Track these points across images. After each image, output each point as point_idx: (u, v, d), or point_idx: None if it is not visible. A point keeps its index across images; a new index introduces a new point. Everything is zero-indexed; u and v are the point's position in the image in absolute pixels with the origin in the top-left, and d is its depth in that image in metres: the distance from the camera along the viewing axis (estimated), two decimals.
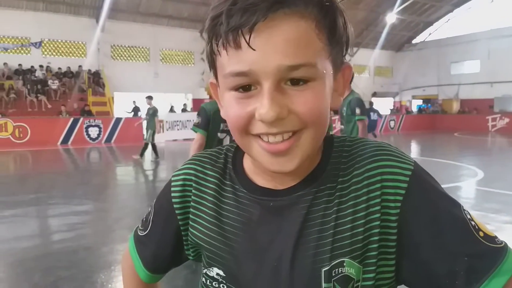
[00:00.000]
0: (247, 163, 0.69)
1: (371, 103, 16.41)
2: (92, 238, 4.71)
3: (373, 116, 14.90)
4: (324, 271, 0.59)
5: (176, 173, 0.74)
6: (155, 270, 0.79)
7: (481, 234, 0.58)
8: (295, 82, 0.55)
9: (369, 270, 0.60)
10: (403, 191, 0.59)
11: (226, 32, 0.53)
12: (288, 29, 0.53)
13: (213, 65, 0.62)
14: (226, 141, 3.55)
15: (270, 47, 0.52)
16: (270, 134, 0.56)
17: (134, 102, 19.89)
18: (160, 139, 17.02)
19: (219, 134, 3.53)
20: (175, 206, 0.72)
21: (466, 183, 8.01)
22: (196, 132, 3.47)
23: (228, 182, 0.69)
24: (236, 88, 0.56)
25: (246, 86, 0.56)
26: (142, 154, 10.98)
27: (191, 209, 0.71)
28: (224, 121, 3.42)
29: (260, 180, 0.67)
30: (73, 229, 4.95)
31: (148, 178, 8.76)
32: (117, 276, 3.49)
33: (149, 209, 0.79)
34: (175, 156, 12.96)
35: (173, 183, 0.73)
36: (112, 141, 16.81)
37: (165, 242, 0.75)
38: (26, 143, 15.08)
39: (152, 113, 10.86)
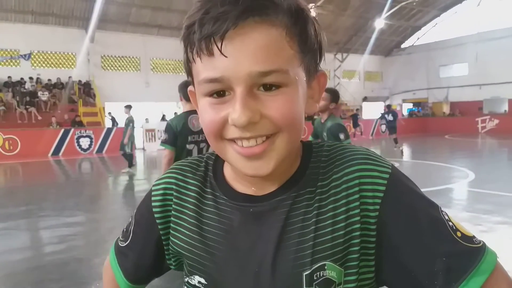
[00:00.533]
0: (227, 170, 0.70)
1: (353, 115, 16.72)
2: (83, 249, 4.66)
3: (389, 117, 15.39)
4: (305, 275, 0.60)
5: (157, 182, 0.74)
6: (136, 281, 0.78)
7: (459, 234, 0.59)
8: (268, 87, 0.56)
9: (351, 273, 0.61)
10: (381, 194, 0.60)
11: (199, 40, 0.55)
12: (259, 37, 0.54)
13: (190, 73, 0.63)
14: (195, 152, 3.64)
15: (241, 54, 0.54)
16: (244, 138, 0.57)
17: (109, 113, 19.78)
18: (152, 148, 16.97)
19: (187, 146, 3.62)
20: (155, 215, 0.71)
21: (457, 185, 8.06)
22: (164, 148, 3.64)
23: (208, 190, 0.70)
24: (211, 94, 0.58)
25: (220, 92, 0.57)
26: (130, 165, 10.84)
27: (172, 218, 0.71)
28: (192, 133, 3.60)
29: (240, 187, 0.67)
30: (64, 241, 4.89)
31: (140, 187, 8.70)
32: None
33: (130, 219, 0.79)
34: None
35: (153, 193, 0.73)
36: (104, 151, 16.70)
37: (146, 252, 0.75)
38: (16, 155, 14.93)
39: (127, 122, 10.73)
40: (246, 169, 0.59)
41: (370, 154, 0.64)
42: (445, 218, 0.60)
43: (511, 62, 24.63)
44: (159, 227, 0.71)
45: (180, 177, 0.72)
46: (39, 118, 17.89)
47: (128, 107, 10.97)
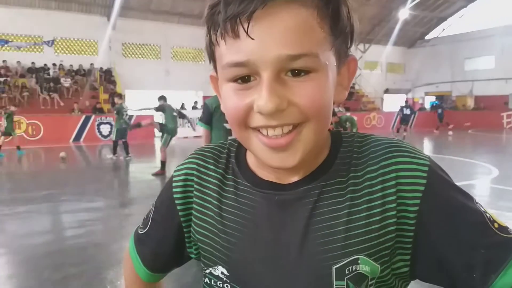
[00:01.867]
0: (250, 157, 0.67)
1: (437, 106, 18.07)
2: (102, 234, 4.72)
3: (406, 111, 16.93)
4: (336, 268, 0.58)
5: (178, 168, 0.72)
6: (156, 269, 0.76)
7: (496, 225, 0.58)
8: (296, 73, 0.53)
9: (385, 267, 0.59)
10: (422, 187, 0.58)
11: (224, 20, 0.52)
12: (288, 17, 0.51)
13: (212, 57, 0.60)
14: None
15: (269, 36, 0.51)
16: (270, 127, 0.54)
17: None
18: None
19: (225, 125, 3.78)
20: (176, 202, 0.69)
21: (480, 181, 7.88)
22: (200, 126, 3.95)
23: (230, 177, 0.67)
24: (235, 80, 0.55)
25: (245, 77, 0.54)
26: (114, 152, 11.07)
27: (194, 205, 0.68)
28: None
29: (265, 174, 0.65)
30: (83, 225, 4.97)
31: (160, 175, 8.76)
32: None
33: (151, 207, 0.77)
34: (186, 153, 12.95)
35: (174, 179, 0.71)
36: None
37: (165, 240, 0.73)
38: (39, 140, 15.25)
39: (116, 112, 10.89)
40: (271, 161, 0.57)
41: (407, 146, 0.61)
42: (481, 209, 0.59)
43: None
44: (180, 213, 0.69)
45: (201, 162, 0.70)
46: (62, 104, 18.22)
47: (118, 95, 11.23)
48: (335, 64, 0.57)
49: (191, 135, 16.59)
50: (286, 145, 0.55)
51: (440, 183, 0.59)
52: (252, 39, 0.50)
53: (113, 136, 11.10)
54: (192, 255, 0.73)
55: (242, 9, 0.50)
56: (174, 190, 0.70)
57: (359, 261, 0.58)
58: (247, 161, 0.68)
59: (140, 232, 0.77)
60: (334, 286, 0.58)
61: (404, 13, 25.82)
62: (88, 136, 16.31)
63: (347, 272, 0.58)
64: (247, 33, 0.51)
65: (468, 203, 0.59)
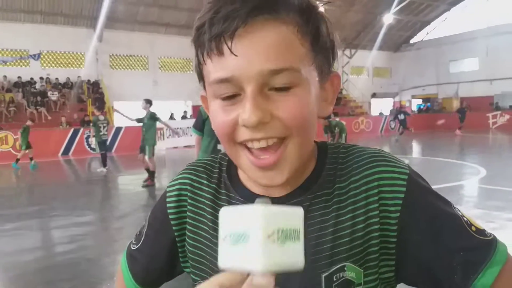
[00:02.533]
0: (241, 171, 0.68)
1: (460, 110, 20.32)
2: (94, 249, 4.69)
3: (401, 117, 18.10)
4: (324, 276, 0.60)
5: (171, 184, 0.73)
6: (146, 284, 0.77)
7: (473, 228, 0.61)
8: (279, 89, 0.55)
9: (371, 273, 0.61)
10: (402, 195, 0.61)
11: (209, 40, 0.54)
12: (269, 34, 0.53)
13: (201, 76, 0.62)
14: None
15: (252, 52, 0.53)
16: (255, 139, 0.56)
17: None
18: (161, 146, 17.00)
19: None
20: (170, 217, 0.71)
21: (469, 182, 7.98)
22: (193, 132, 4.10)
23: (223, 191, 0.69)
24: (222, 97, 0.57)
25: (231, 95, 0.56)
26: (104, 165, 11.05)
27: (188, 219, 0.70)
28: None
29: (255, 188, 0.66)
30: (74, 240, 4.92)
31: (150, 187, 8.72)
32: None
33: (144, 222, 0.78)
34: (176, 163, 12.93)
35: (168, 194, 0.72)
36: (113, 150, 16.78)
37: (158, 256, 0.74)
38: (27, 155, 15.06)
39: (93, 124, 10.93)
40: (260, 179, 0.59)
41: (388, 156, 0.65)
42: (459, 214, 0.62)
43: None
44: (174, 228, 0.71)
45: (194, 177, 0.71)
46: (49, 118, 18.05)
47: (98, 107, 11.19)
48: (317, 79, 0.59)
49: (181, 145, 16.53)
50: (273, 164, 0.57)
51: (419, 190, 0.62)
52: (236, 55, 0.53)
53: (97, 149, 11.04)
54: (187, 270, 0.73)
55: (225, 28, 0.53)
56: (168, 205, 0.71)
57: (345, 268, 0.60)
58: (239, 176, 0.69)
59: (133, 248, 0.77)
60: None
61: (388, 18, 26.17)
62: (77, 149, 16.16)
63: (335, 279, 0.60)
64: (230, 50, 0.53)
65: (446, 208, 0.62)
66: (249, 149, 0.58)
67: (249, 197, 0.66)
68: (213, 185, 0.69)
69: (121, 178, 10.62)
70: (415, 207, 0.61)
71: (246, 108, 0.54)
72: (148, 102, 8.74)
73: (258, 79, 0.53)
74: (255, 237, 0.38)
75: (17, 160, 12.52)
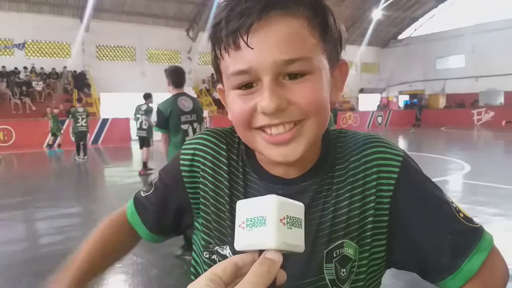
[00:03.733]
0: (257, 153, 0.72)
1: None
2: (81, 240, 4.55)
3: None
4: (326, 252, 0.65)
5: (188, 143, 0.76)
6: (156, 231, 0.80)
7: (461, 215, 0.65)
8: (293, 76, 0.59)
9: (364, 250, 0.66)
10: (395, 175, 0.65)
11: (226, 35, 0.59)
12: (282, 28, 0.57)
13: (218, 71, 0.66)
14: (190, 132, 3.92)
15: (266, 45, 0.57)
16: (272, 125, 0.60)
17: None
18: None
19: (182, 126, 3.90)
20: (183, 174, 0.74)
21: (453, 177, 8.11)
22: (158, 131, 4.04)
23: (240, 163, 0.72)
24: (239, 87, 0.61)
25: (248, 84, 0.60)
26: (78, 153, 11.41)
27: (201, 179, 0.73)
28: (183, 113, 3.90)
29: (270, 168, 0.70)
30: (61, 232, 4.88)
31: (137, 178, 8.67)
32: (108, 279, 3.45)
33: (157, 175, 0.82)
34: (163, 155, 12.85)
35: (183, 152, 0.75)
36: (99, 142, 16.62)
37: (167, 210, 0.77)
38: (11, 146, 14.83)
39: (71, 115, 11.45)
40: (275, 156, 0.62)
41: (384, 138, 0.70)
42: (449, 200, 0.66)
43: (507, 54, 24.61)
44: (187, 186, 0.74)
45: (214, 140, 0.74)
46: (34, 108, 17.77)
47: (79, 99, 12.06)
48: (327, 67, 0.63)
49: None
50: (288, 140, 0.60)
51: (412, 172, 0.67)
52: (252, 48, 0.57)
53: (73, 139, 11.50)
54: (198, 225, 0.75)
55: (241, 23, 0.57)
56: (182, 162, 0.74)
57: (344, 245, 0.65)
58: (255, 153, 0.72)
59: (143, 195, 0.82)
60: (325, 268, 0.64)
61: (377, 14, 26.30)
62: (63, 140, 15.94)
63: (334, 255, 0.65)
64: (246, 43, 0.57)
65: (437, 193, 0.66)
66: (265, 132, 0.61)
67: (263, 176, 0.70)
68: (234, 156, 0.73)
69: (107, 170, 10.53)
70: (407, 188, 0.65)
71: (264, 96, 0.58)
72: (148, 96, 9.35)
73: (274, 68, 0.57)
74: (271, 219, 0.45)
75: (51, 145, 13.62)
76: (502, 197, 6.09)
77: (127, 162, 11.37)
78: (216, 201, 0.71)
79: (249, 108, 0.60)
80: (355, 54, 30.01)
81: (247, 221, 0.47)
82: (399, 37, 31.87)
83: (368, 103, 29.84)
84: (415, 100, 28.35)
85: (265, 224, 0.45)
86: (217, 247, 0.71)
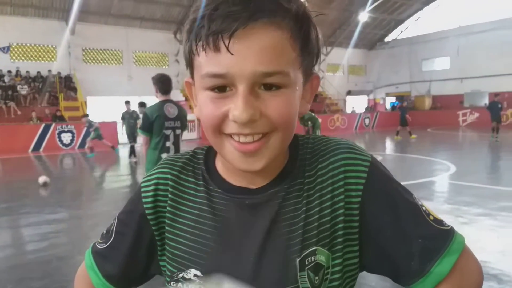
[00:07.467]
0: (219, 165, 0.71)
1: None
2: (66, 247, 4.59)
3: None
4: (299, 261, 0.63)
5: (146, 179, 0.73)
6: (120, 285, 0.75)
7: (431, 218, 0.65)
8: (268, 87, 0.58)
9: (337, 257, 0.65)
10: (363, 181, 0.65)
11: (207, 35, 0.56)
12: (265, 38, 0.56)
13: (190, 64, 0.64)
14: (171, 137, 4.11)
15: (248, 53, 0.56)
16: (242, 134, 0.59)
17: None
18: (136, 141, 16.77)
19: (164, 131, 4.10)
20: (147, 212, 0.70)
21: (439, 178, 8.19)
22: (141, 134, 4.22)
23: (201, 183, 0.70)
24: (212, 88, 0.59)
25: (221, 87, 0.58)
26: None
27: (167, 214, 0.70)
28: (168, 119, 4.08)
29: (235, 180, 0.69)
30: (46, 238, 4.81)
31: (123, 183, 8.60)
32: None
33: (112, 221, 0.76)
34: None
35: (143, 189, 0.71)
36: (86, 146, 16.45)
37: (134, 253, 0.72)
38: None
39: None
40: (240, 164, 0.61)
41: (352, 144, 0.69)
42: (418, 203, 0.66)
43: (492, 56, 25.02)
44: (151, 223, 0.70)
45: (172, 172, 0.72)
46: (19, 113, 17.54)
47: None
48: (301, 81, 0.63)
49: None
50: (255, 151, 0.60)
51: (380, 176, 0.66)
52: (232, 54, 0.55)
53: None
54: (164, 268, 0.72)
55: (225, 27, 0.55)
56: (144, 200, 0.70)
57: (316, 252, 0.64)
58: (217, 168, 0.71)
59: (100, 247, 0.75)
60: (299, 277, 0.63)
61: (363, 16, 26.54)
62: (49, 145, 15.75)
63: (307, 263, 0.63)
64: (228, 49, 0.55)
65: (406, 196, 0.66)
66: (234, 139, 0.61)
67: (228, 189, 0.68)
68: (192, 179, 0.71)
69: (94, 175, 10.42)
70: (375, 193, 0.65)
71: (238, 105, 0.56)
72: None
73: (251, 78, 0.56)
74: None
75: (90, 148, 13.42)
76: (486, 197, 6.16)
77: (115, 167, 11.26)
78: (179, 230, 0.69)
79: (221, 113, 0.59)
80: (342, 56, 30.25)
81: None
82: (386, 39, 32.20)
83: (356, 105, 30.02)
84: (396, 101, 28.42)
85: None
86: (182, 273, 0.68)
